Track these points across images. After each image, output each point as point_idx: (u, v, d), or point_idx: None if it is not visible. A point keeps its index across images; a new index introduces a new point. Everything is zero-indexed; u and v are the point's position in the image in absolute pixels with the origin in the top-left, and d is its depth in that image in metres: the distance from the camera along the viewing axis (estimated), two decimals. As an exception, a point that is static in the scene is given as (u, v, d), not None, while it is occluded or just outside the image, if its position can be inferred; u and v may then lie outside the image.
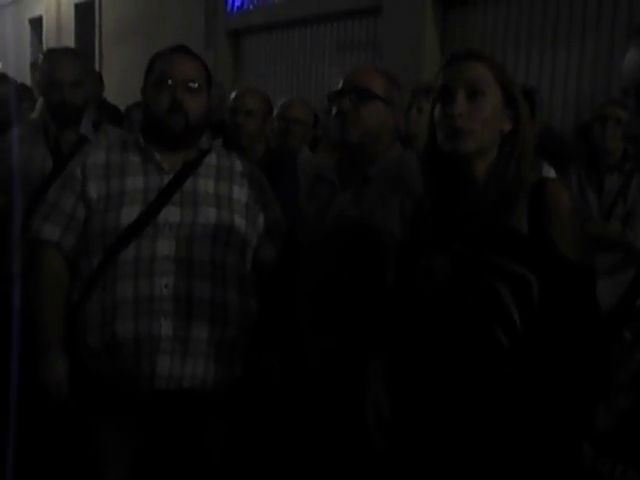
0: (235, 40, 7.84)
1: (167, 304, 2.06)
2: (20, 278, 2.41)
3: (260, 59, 7.61)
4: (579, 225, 1.62)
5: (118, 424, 2.14)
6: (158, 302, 2.05)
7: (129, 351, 2.06)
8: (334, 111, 2.14)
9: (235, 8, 7.60)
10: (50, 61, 2.96)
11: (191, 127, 2.14)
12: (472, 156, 1.64)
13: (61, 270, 2.17)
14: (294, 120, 3.48)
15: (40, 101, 3.35)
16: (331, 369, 2.09)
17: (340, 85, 2.14)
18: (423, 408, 1.67)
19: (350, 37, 6.61)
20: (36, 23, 11.87)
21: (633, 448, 1.11)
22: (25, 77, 7.01)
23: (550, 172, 3.26)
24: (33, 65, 5.81)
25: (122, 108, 5.37)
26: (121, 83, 7.37)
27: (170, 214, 2.10)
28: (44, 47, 10.68)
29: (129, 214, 2.09)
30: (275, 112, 3.56)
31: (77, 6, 10.67)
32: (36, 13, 11.84)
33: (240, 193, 2.22)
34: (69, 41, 10.17)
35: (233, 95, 3.22)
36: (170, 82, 2.10)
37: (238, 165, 2.27)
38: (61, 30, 10.97)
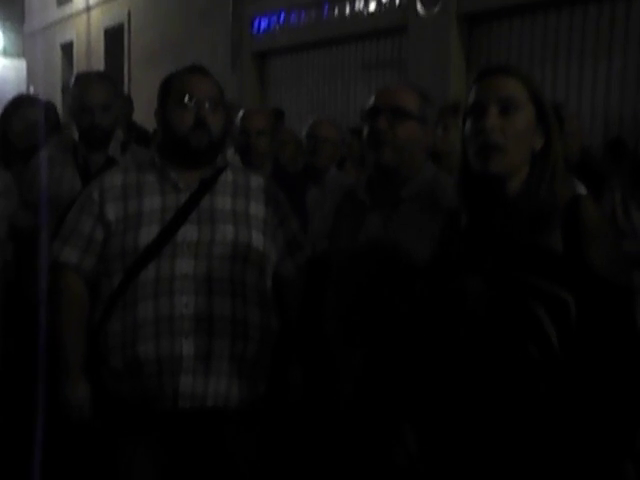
0: (261, 61, 7.93)
1: (188, 323, 2.05)
2: (43, 301, 2.43)
3: (286, 80, 7.68)
4: (614, 242, 1.59)
5: (143, 444, 2.13)
6: (179, 321, 2.05)
7: (151, 371, 2.05)
8: (367, 130, 2.09)
9: (261, 30, 7.69)
10: (81, 85, 2.99)
11: (214, 144, 2.16)
12: (504, 175, 1.61)
13: (81, 292, 2.17)
14: (322, 139, 3.48)
15: (68, 120, 3.40)
16: (362, 388, 2.08)
17: (373, 103, 2.08)
18: (458, 433, 1.64)
19: (375, 57, 6.65)
20: (67, 48, 12.11)
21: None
22: (56, 101, 7.14)
23: (580, 188, 3.23)
24: (64, 89, 5.91)
25: (150, 130, 5.45)
26: (150, 106, 7.44)
27: (188, 232, 2.10)
28: (74, 71, 10.87)
29: (147, 234, 2.08)
30: (304, 131, 3.59)
31: (107, 31, 10.88)
32: (67, 38, 12.09)
33: (257, 209, 2.21)
34: (99, 65, 10.36)
35: (240, 115, 3.24)
36: (193, 100, 2.12)
37: (254, 181, 2.27)
38: (91, 55, 11.18)
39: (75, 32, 11.77)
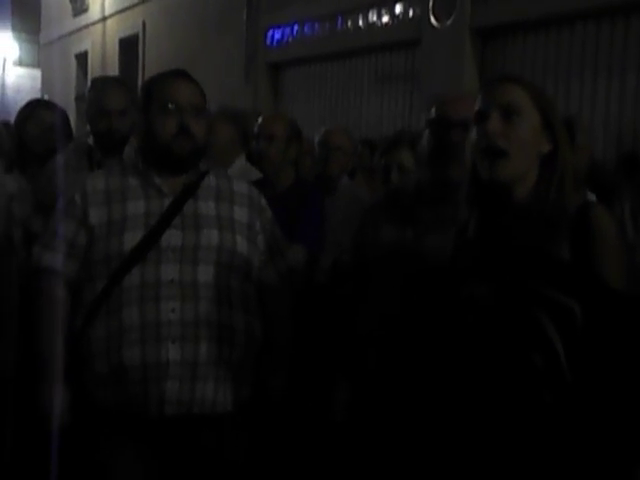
0: (275, 73, 7.96)
1: (174, 329, 2.04)
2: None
3: (300, 92, 7.71)
4: (624, 252, 1.57)
5: (127, 451, 2.10)
6: (165, 327, 2.03)
7: (137, 377, 2.03)
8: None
9: (275, 41, 7.73)
10: (98, 89, 3.00)
11: (197, 150, 2.15)
12: (510, 181, 1.60)
13: (62, 298, 2.14)
14: (335, 148, 3.48)
15: (81, 128, 3.41)
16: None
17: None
18: (461, 436, 1.62)
19: (389, 69, 6.66)
20: (82, 58, 12.19)
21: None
22: (70, 110, 7.18)
23: (591, 198, 3.22)
24: (78, 98, 5.94)
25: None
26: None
27: (172, 237, 2.08)
28: (89, 82, 10.95)
29: (132, 239, 2.07)
30: (316, 139, 3.60)
31: (121, 41, 10.95)
32: (82, 48, 12.17)
33: (241, 213, 2.21)
34: (114, 74, 10.43)
35: (259, 121, 3.26)
36: (176, 107, 2.11)
37: (237, 185, 2.27)
38: (106, 65, 11.26)
39: (90, 42, 11.86)
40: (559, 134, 1.62)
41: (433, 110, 2.02)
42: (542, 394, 1.51)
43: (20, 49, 16.72)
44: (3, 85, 15.57)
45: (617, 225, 1.60)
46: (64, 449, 2.18)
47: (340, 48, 6.92)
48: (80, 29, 12.17)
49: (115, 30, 11.12)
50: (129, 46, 10.66)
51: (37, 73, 14.14)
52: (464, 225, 1.74)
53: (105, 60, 11.36)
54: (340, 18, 6.88)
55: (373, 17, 6.55)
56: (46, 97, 10.37)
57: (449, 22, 5.67)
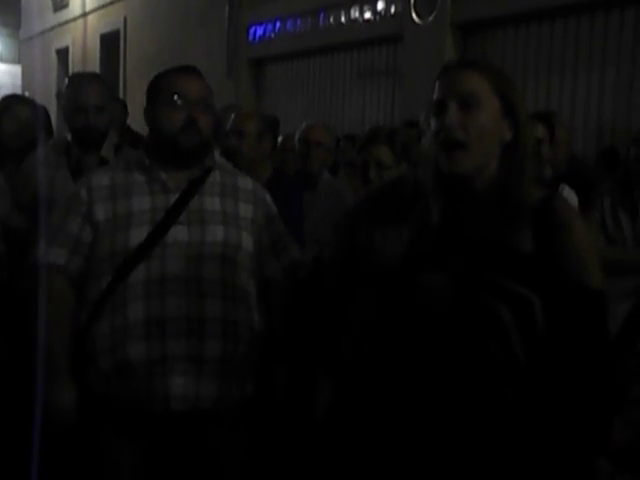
0: (257, 68, 7.94)
1: (179, 325, 2.04)
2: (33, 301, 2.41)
3: (281, 87, 7.70)
4: (589, 246, 1.51)
5: (132, 447, 2.11)
6: (170, 323, 2.04)
7: (142, 373, 2.04)
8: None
9: (257, 37, 7.71)
10: (75, 86, 2.96)
11: (203, 144, 2.15)
12: (469, 174, 1.55)
13: (67, 294, 2.14)
14: (315, 143, 3.48)
15: (61, 124, 3.39)
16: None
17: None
18: (418, 426, 1.59)
19: (371, 65, 6.67)
20: (63, 53, 12.11)
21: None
22: (51, 106, 7.13)
23: (570, 195, 3.24)
24: (59, 94, 5.91)
25: (145, 135, 5.44)
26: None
27: (178, 233, 2.08)
28: (70, 77, 10.86)
29: (137, 235, 2.07)
30: (297, 135, 3.59)
31: (103, 37, 10.88)
32: (63, 44, 12.09)
33: (246, 210, 2.21)
34: (94, 71, 10.35)
35: (232, 117, 3.27)
36: (183, 101, 2.11)
37: (241, 182, 2.27)
38: (87, 60, 11.18)
39: (71, 38, 11.78)
40: (520, 120, 1.56)
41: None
42: (499, 383, 1.49)
43: (0, 44, 16.57)
44: (-17, 81, 15.42)
45: (580, 217, 1.53)
46: (70, 444, 2.20)
47: (322, 44, 6.92)
48: (61, 24, 12.08)
49: (96, 26, 11.05)
50: (110, 42, 10.60)
51: (17, 69, 14.02)
52: (425, 214, 1.69)
53: (86, 56, 11.28)
54: (322, 14, 6.87)
55: (355, 13, 6.55)
56: (27, 93, 10.29)
57: (430, 18, 5.68)
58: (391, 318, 1.75)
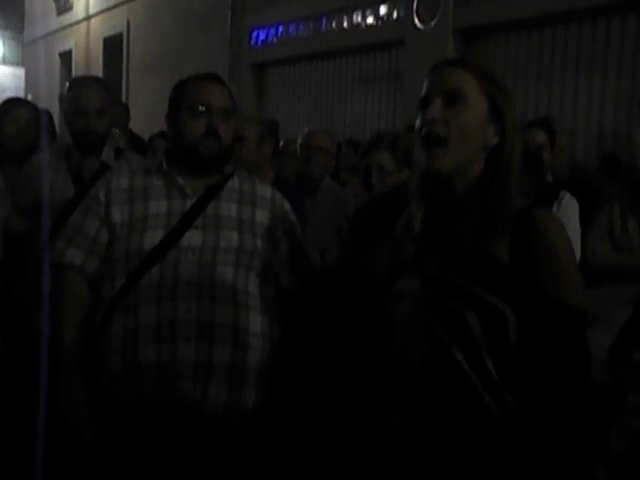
0: (259, 73, 7.95)
1: (189, 329, 2.04)
2: (45, 302, 2.41)
3: (283, 91, 7.70)
4: (571, 259, 1.44)
5: (139, 448, 2.11)
6: (180, 326, 2.04)
7: (151, 375, 2.04)
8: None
9: (259, 41, 7.72)
10: (76, 89, 2.97)
11: (223, 153, 2.16)
12: (448, 173, 1.48)
13: (83, 294, 2.17)
14: (317, 148, 3.48)
15: (63, 127, 3.39)
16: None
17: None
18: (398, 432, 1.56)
19: (373, 69, 6.67)
20: (66, 57, 12.14)
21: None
22: (54, 109, 7.14)
23: (572, 201, 3.24)
24: (62, 97, 5.92)
25: (146, 138, 5.45)
26: (147, 114, 7.48)
27: (193, 238, 2.10)
28: (73, 80, 10.88)
29: (152, 238, 2.08)
30: (299, 140, 3.60)
31: (106, 40, 10.91)
32: (66, 47, 12.12)
33: (262, 217, 2.22)
34: (97, 74, 10.33)
35: None
36: (206, 109, 2.12)
37: (260, 189, 2.28)
38: (90, 63, 11.21)
39: (74, 41, 11.81)
40: (508, 125, 1.49)
41: None
42: (464, 393, 1.44)
43: (3, 47, 16.63)
44: (-14, 83, 15.47)
45: (563, 228, 1.45)
46: (79, 444, 2.18)
47: (324, 48, 6.92)
48: (64, 28, 12.11)
49: (99, 29, 11.08)
50: (113, 45, 10.62)
51: (21, 72, 14.05)
52: (411, 220, 1.63)
53: (89, 59, 11.31)
54: (324, 18, 6.88)
55: (357, 18, 6.55)
56: (30, 96, 10.32)
57: (432, 23, 5.68)
58: (371, 323, 1.73)
